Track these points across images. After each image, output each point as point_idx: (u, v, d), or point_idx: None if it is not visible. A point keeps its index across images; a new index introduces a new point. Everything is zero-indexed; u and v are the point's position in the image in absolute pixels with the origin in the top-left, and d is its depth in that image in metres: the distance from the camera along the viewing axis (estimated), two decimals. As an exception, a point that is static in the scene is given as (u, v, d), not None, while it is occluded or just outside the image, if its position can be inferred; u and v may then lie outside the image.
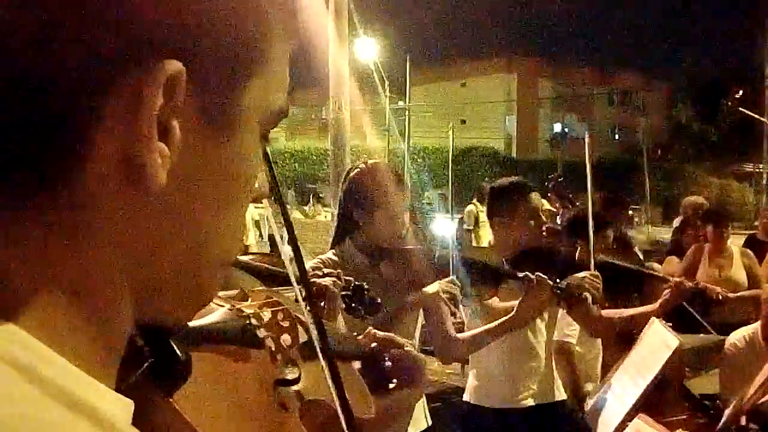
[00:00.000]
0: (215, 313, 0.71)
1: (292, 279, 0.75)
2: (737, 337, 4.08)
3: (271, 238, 8.31)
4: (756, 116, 30.08)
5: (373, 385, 0.89)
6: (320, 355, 0.69)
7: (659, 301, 2.80)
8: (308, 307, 0.72)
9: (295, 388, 0.73)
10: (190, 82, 0.39)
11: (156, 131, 0.38)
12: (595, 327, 2.88)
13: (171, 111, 0.39)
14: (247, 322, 0.72)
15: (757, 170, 33.27)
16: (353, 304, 1.52)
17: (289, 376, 0.74)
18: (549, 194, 5.47)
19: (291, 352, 0.75)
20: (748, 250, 5.25)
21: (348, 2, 9.11)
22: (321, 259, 2.23)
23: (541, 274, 2.41)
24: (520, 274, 2.41)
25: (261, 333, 0.71)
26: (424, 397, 2.47)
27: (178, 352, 0.57)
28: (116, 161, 0.38)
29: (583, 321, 2.92)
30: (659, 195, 27.59)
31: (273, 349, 0.72)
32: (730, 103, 33.08)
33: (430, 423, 2.45)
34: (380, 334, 0.94)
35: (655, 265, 4.77)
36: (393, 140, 31.39)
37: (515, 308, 2.45)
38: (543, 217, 2.76)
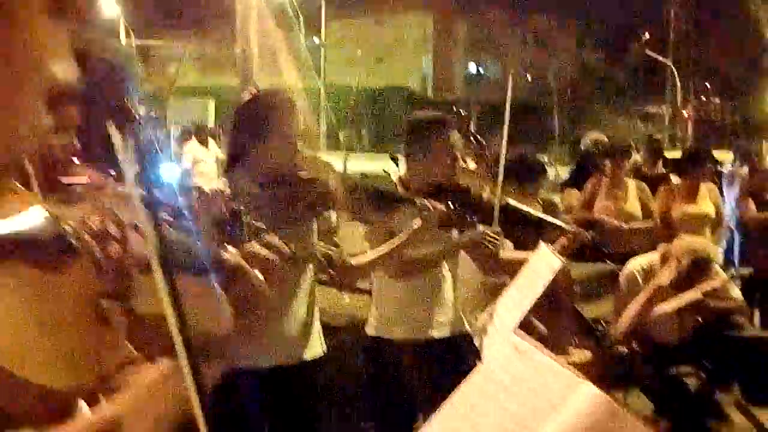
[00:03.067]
0: (28, 219, 0.64)
1: (129, 178, 0.69)
2: (634, 266, 4.27)
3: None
4: (661, 59, 31.21)
5: (232, 302, 0.88)
6: (154, 266, 0.64)
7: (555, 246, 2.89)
8: (147, 213, 0.67)
9: (124, 302, 0.69)
10: None
11: None
12: (491, 265, 2.95)
13: None
14: (63, 228, 0.66)
15: (660, 112, 34.66)
16: (230, 228, 1.48)
17: (115, 289, 0.69)
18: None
19: (121, 262, 0.70)
20: (643, 183, 5.47)
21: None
22: (210, 188, 2.18)
23: (436, 203, 2.46)
24: (417, 201, 2.44)
25: (77, 242, 0.66)
26: (320, 325, 2.49)
27: None
28: None
29: (481, 259, 3.00)
30: (567, 136, 28.38)
31: (98, 259, 0.67)
32: (637, 46, 34.20)
33: (325, 350, 2.47)
34: (234, 258, 0.92)
35: (555, 197, 4.91)
36: (308, 78, 30.80)
37: (406, 230, 2.49)
38: (457, 155, 2.72)
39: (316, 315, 2.45)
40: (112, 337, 0.67)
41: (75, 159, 1.69)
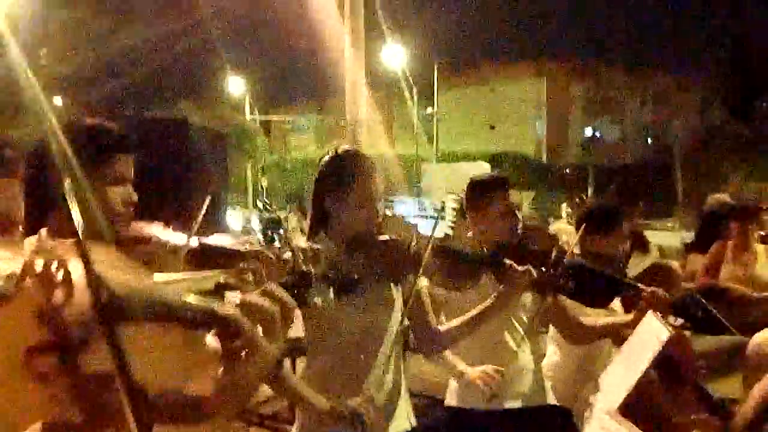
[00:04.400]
0: None
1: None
2: (762, 337, 3.88)
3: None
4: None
5: (227, 355, 0.81)
6: (100, 321, 0.58)
7: (634, 311, 2.65)
8: (85, 263, 0.62)
9: (67, 357, 0.62)
10: None
11: None
12: (572, 332, 2.80)
13: None
14: None
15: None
16: (297, 291, 1.41)
17: (57, 342, 0.63)
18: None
19: (65, 311, 0.64)
20: (775, 248, 5.03)
21: (373, 8, 9.10)
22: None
23: (529, 267, 2.33)
24: (508, 262, 2.33)
25: (14, 287, 0.61)
26: (408, 397, 2.35)
27: None
28: None
29: (562, 326, 2.85)
30: (693, 198, 27.02)
31: (42, 307, 0.62)
32: (765, 104, 32.48)
33: (413, 424, 2.33)
34: (228, 310, 0.85)
35: (674, 263, 4.59)
36: (422, 147, 31.24)
37: (494, 295, 2.36)
38: (517, 214, 2.70)
39: (404, 385, 2.33)
40: (44, 393, 0.60)
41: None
